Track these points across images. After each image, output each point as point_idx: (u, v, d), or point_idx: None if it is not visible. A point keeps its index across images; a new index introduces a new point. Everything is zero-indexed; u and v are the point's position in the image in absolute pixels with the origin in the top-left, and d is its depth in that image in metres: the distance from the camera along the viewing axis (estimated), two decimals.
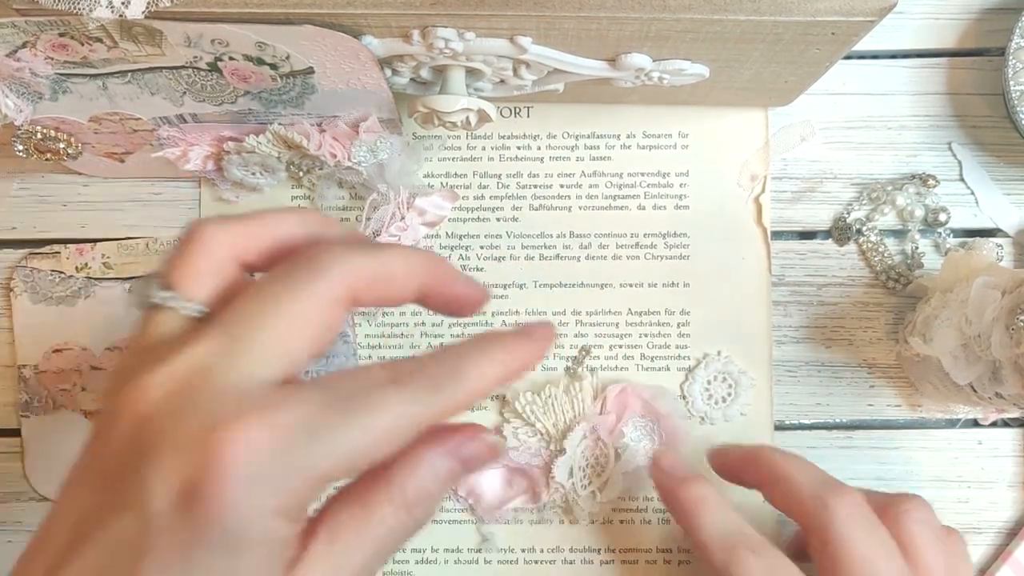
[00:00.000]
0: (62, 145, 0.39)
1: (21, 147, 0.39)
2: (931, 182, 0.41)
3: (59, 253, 0.42)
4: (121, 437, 0.22)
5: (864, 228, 0.41)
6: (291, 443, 0.21)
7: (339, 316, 0.23)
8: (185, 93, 0.37)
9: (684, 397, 0.41)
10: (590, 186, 0.42)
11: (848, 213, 0.42)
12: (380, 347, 0.42)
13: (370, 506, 0.24)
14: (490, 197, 0.42)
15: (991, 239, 0.41)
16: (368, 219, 0.40)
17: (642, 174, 0.42)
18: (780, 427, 0.41)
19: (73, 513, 0.22)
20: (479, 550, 0.41)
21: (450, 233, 0.42)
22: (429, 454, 0.25)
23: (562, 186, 0.42)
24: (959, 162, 0.42)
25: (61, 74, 0.35)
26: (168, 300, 0.23)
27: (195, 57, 0.34)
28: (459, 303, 0.26)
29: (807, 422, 0.42)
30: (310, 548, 0.23)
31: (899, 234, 0.42)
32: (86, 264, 0.42)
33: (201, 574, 0.20)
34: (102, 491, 0.22)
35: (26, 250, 0.42)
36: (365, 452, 0.22)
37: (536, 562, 0.41)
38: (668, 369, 0.42)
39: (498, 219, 0.42)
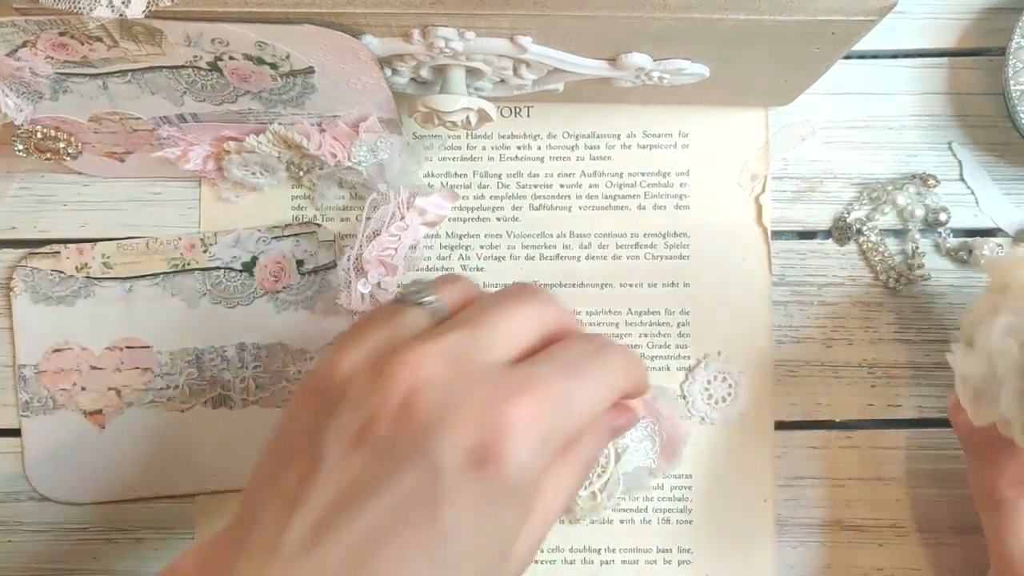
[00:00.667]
0: (62, 145, 0.39)
1: (21, 147, 0.39)
2: (931, 182, 0.41)
3: (59, 253, 0.42)
4: (392, 405, 0.25)
5: (864, 228, 0.41)
6: (553, 413, 0.26)
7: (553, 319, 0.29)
8: (185, 93, 0.37)
9: (684, 397, 0.41)
10: (590, 186, 0.42)
11: (848, 213, 0.42)
12: None
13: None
14: (490, 197, 0.42)
15: (991, 239, 0.41)
16: (368, 219, 0.40)
17: (642, 174, 0.42)
18: (780, 427, 0.41)
19: (335, 475, 0.25)
20: None
21: (450, 233, 0.42)
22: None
23: (562, 186, 0.42)
24: (959, 162, 0.42)
25: (61, 73, 0.35)
26: (431, 302, 0.29)
27: (195, 57, 0.34)
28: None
29: (807, 422, 0.42)
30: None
31: (899, 234, 0.42)
32: (86, 264, 0.42)
33: (491, 521, 0.25)
34: (372, 453, 0.25)
35: (26, 250, 0.42)
36: (592, 411, 0.27)
37: (536, 562, 0.41)
38: (668, 369, 0.42)
39: (498, 219, 0.42)
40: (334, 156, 0.39)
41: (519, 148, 0.42)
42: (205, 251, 0.42)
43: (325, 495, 0.25)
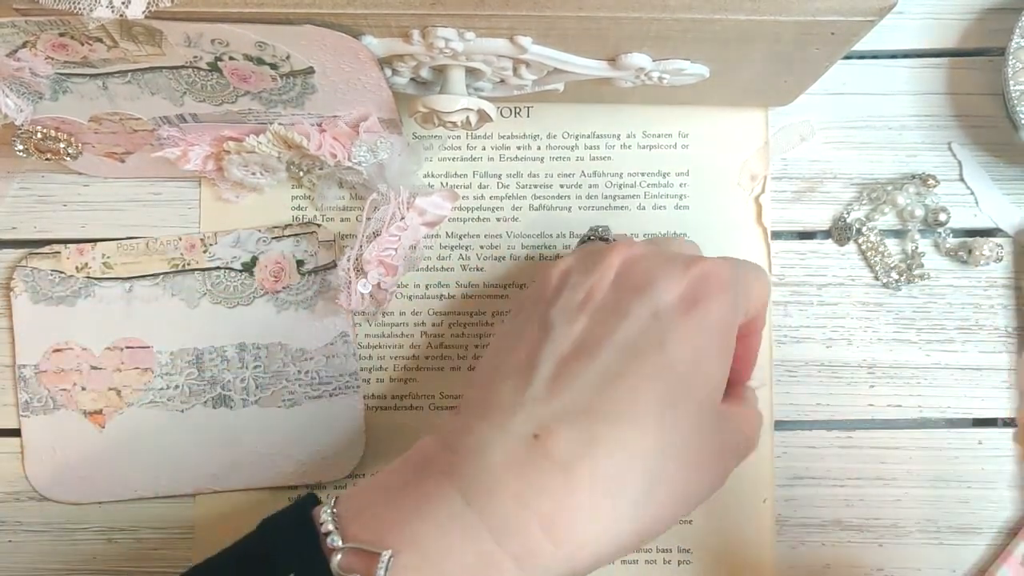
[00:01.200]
0: (62, 145, 0.39)
1: (21, 147, 0.39)
2: (931, 182, 0.41)
3: (59, 253, 0.42)
4: (608, 278, 0.31)
5: (864, 228, 0.41)
6: (735, 285, 0.31)
7: None
8: (185, 93, 0.37)
9: None
10: (590, 186, 0.42)
11: (848, 213, 0.42)
12: (380, 346, 0.42)
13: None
14: (490, 197, 0.42)
15: (991, 239, 0.41)
16: (368, 219, 0.40)
17: (642, 174, 0.42)
18: (780, 427, 0.41)
19: (564, 338, 0.30)
20: None
21: (450, 233, 0.42)
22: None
23: (562, 186, 0.42)
24: (959, 162, 0.42)
25: (61, 74, 0.35)
26: (610, 237, 0.36)
27: (195, 57, 0.34)
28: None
29: (807, 422, 0.42)
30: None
31: (899, 234, 0.42)
32: (86, 264, 0.42)
33: (703, 355, 0.30)
34: (596, 313, 0.31)
35: (26, 250, 0.42)
36: (758, 302, 0.34)
37: None
38: None
39: (498, 219, 0.42)
40: (334, 156, 0.39)
41: (519, 148, 0.42)
42: (205, 251, 0.42)
43: (559, 353, 0.30)
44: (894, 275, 0.41)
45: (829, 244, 0.42)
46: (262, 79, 0.35)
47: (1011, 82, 0.39)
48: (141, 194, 0.43)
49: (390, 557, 0.26)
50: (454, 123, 0.36)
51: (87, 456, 0.42)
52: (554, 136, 0.42)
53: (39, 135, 0.39)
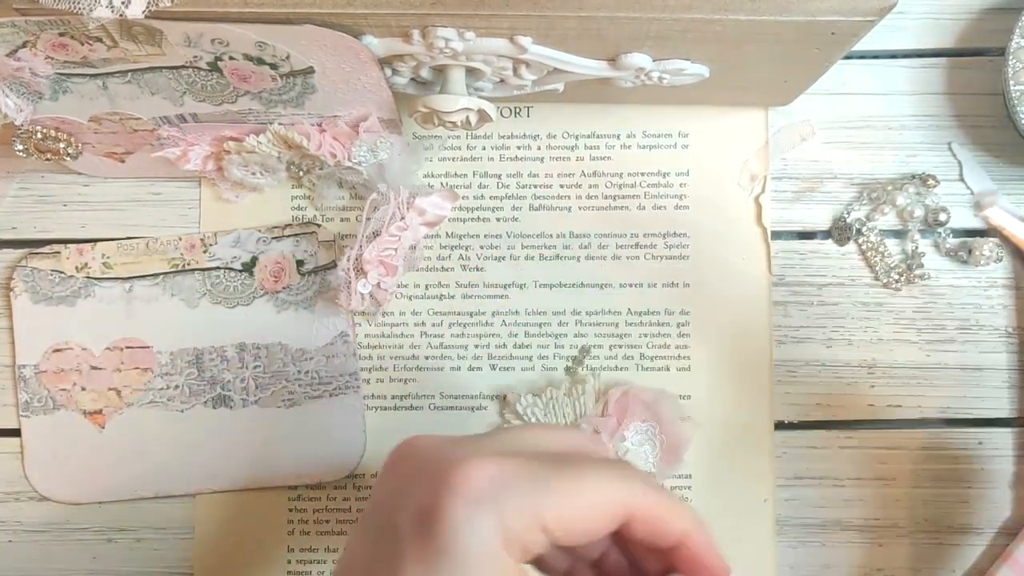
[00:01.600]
0: (62, 145, 0.39)
1: (21, 147, 0.39)
2: (931, 182, 0.41)
3: (59, 253, 0.42)
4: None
5: (864, 228, 0.41)
6: (512, 479, 0.24)
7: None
8: (185, 93, 0.37)
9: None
10: (590, 186, 0.42)
11: (848, 213, 0.42)
12: (380, 346, 0.42)
13: None
14: (490, 197, 0.42)
15: (991, 239, 0.41)
16: (368, 219, 0.40)
17: (642, 174, 0.42)
18: (780, 427, 0.41)
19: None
20: None
21: (450, 233, 0.42)
22: None
23: (562, 186, 0.42)
24: (959, 162, 0.42)
25: (61, 74, 0.35)
26: None
27: (195, 57, 0.34)
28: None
29: (807, 422, 0.42)
30: None
31: (899, 234, 0.42)
32: (86, 264, 0.42)
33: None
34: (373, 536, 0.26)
35: (26, 250, 0.42)
36: (581, 515, 0.25)
37: None
38: (668, 369, 0.42)
39: (498, 219, 0.42)
40: (334, 156, 0.39)
41: (519, 148, 0.42)
42: (205, 251, 0.42)
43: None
44: (894, 275, 0.41)
45: (829, 244, 0.42)
46: (262, 79, 0.35)
47: (1011, 82, 0.39)
48: (141, 194, 0.43)
49: None
50: (454, 123, 0.36)
51: (87, 456, 0.42)
52: (554, 136, 0.42)
53: (39, 135, 0.39)
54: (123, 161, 0.41)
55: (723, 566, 0.27)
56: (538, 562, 0.28)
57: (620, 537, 0.26)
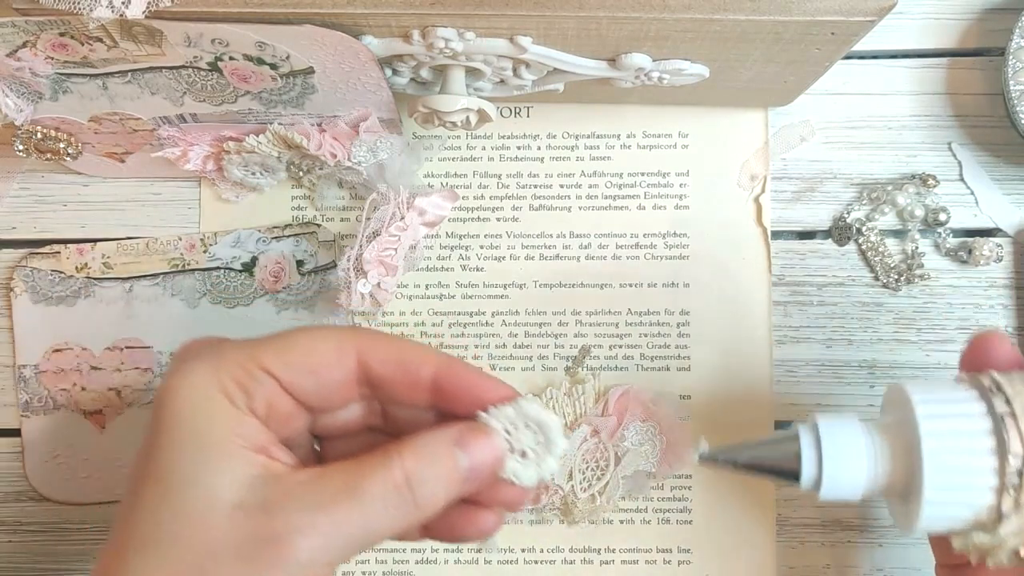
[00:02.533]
0: (62, 145, 0.39)
1: (21, 147, 0.39)
2: (931, 182, 0.41)
3: (59, 253, 0.42)
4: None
5: (864, 228, 0.41)
6: (231, 341, 0.26)
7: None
8: (185, 93, 0.37)
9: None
10: (590, 186, 0.42)
11: (848, 213, 0.42)
12: None
13: (366, 480, 0.25)
14: (490, 197, 0.42)
15: (991, 239, 0.41)
16: (368, 219, 0.40)
17: (642, 174, 0.42)
18: (780, 427, 0.41)
19: None
20: (479, 550, 0.41)
21: (450, 233, 0.42)
22: (433, 437, 0.26)
23: (562, 186, 0.42)
24: (959, 162, 0.42)
25: (61, 74, 0.35)
26: None
27: (195, 57, 0.34)
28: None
29: None
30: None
31: (899, 234, 0.42)
32: (86, 264, 0.42)
33: (169, 466, 0.24)
34: None
35: (26, 250, 0.42)
36: (300, 351, 0.26)
37: (536, 562, 0.41)
38: (668, 369, 0.42)
39: (498, 219, 0.42)
40: (334, 156, 0.39)
41: (519, 148, 0.42)
42: (205, 251, 0.42)
43: None
44: (894, 275, 0.41)
45: (829, 244, 0.42)
46: (262, 79, 0.35)
47: (1011, 82, 0.39)
48: (141, 194, 0.43)
49: None
50: (454, 123, 0.36)
51: (87, 456, 0.42)
52: (554, 136, 0.42)
53: (39, 135, 0.39)
54: (123, 161, 0.41)
55: (489, 379, 0.27)
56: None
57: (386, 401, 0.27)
